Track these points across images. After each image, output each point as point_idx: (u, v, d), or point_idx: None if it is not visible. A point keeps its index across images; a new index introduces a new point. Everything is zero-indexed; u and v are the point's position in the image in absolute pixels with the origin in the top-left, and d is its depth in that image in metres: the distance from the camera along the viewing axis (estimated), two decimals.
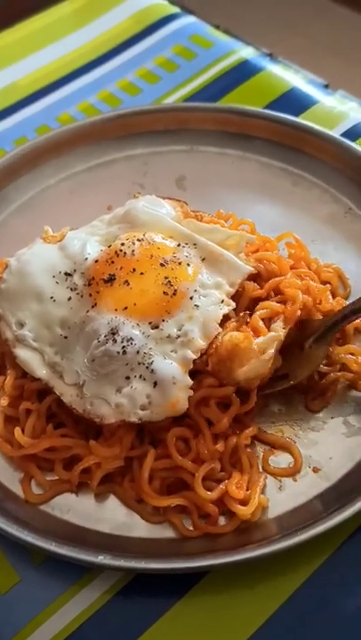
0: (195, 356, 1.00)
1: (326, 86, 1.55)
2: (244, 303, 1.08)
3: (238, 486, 0.96)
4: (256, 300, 1.09)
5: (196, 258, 1.08)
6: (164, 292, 1.02)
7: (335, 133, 1.37)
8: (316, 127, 1.36)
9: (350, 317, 1.05)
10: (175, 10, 1.80)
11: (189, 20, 1.77)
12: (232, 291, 1.07)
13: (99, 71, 1.66)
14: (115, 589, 0.93)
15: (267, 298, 1.09)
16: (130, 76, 1.64)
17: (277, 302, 1.07)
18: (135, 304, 1.01)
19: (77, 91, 1.62)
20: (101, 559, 0.89)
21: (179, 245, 1.08)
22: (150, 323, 1.01)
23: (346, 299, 1.16)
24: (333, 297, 1.14)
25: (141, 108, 1.47)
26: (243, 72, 1.59)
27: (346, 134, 1.40)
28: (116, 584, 0.93)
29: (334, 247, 1.24)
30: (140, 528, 0.97)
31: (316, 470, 1.00)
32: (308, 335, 1.07)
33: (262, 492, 0.98)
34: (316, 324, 1.07)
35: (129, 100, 1.58)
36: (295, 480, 1.00)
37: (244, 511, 0.94)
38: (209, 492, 0.95)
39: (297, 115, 1.44)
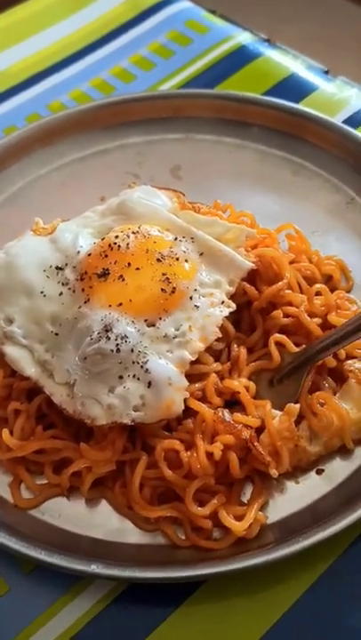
0: (192, 358, 0.96)
1: (326, 72, 1.51)
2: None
3: (230, 510, 0.92)
4: (250, 303, 1.06)
5: (194, 253, 1.04)
6: (162, 290, 0.98)
7: (336, 121, 1.34)
8: (317, 114, 1.32)
9: (324, 353, 0.98)
10: None
11: (184, 4, 1.73)
12: (232, 290, 1.03)
13: (91, 58, 1.62)
14: (108, 598, 0.89)
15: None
16: (124, 62, 1.60)
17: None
18: (131, 300, 0.97)
19: (69, 78, 1.58)
20: (94, 568, 0.86)
21: (176, 239, 1.05)
22: (146, 320, 0.97)
23: (348, 292, 1.13)
24: (333, 291, 1.10)
25: (135, 96, 1.43)
26: (240, 58, 1.56)
27: (347, 121, 1.36)
28: (110, 593, 0.89)
29: (336, 238, 1.21)
30: (133, 534, 0.94)
31: (319, 472, 0.97)
32: (279, 368, 1.02)
33: (262, 508, 0.93)
34: (287, 357, 1.01)
35: (123, 87, 1.55)
36: (297, 482, 0.96)
37: (238, 527, 0.90)
38: (200, 508, 0.91)
39: (296, 102, 1.41)
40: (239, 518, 0.91)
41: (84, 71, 1.60)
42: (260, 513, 0.92)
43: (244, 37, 1.60)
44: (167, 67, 1.57)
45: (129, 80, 1.56)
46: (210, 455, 0.92)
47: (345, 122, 1.35)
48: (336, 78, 1.49)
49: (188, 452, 0.93)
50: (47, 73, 1.60)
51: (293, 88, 1.46)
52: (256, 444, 0.93)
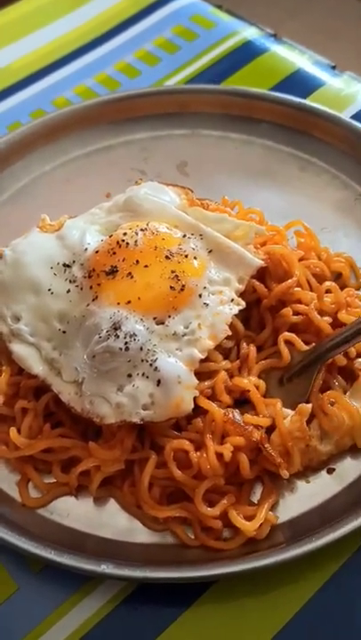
0: (202, 356, 0.95)
1: (333, 67, 1.50)
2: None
3: (241, 510, 0.91)
4: (259, 300, 1.04)
5: (203, 250, 1.03)
6: (171, 287, 0.97)
7: (344, 116, 1.32)
8: (325, 109, 1.31)
9: (334, 351, 0.97)
10: None
11: None
12: (241, 288, 1.02)
13: (96, 53, 1.61)
14: (118, 598, 0.88)
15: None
16: (128, 57, 1.59)
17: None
18: (139, 298, 0.96)
19: (74, 73, 1.57)
20: (104, 568, 0.85)
21: (184, 236, 1.03)
22: (155, 318, 0.96)
23: (358, 289, 1.12)
24: (343, 288, 1.09)
25: (140, 91, 1.42)
26: (246, 53, 1.55)
27: (355, 117, 1.35)
28: (120, 593, 0.89)
29: (345, 235, 1.20)
30: (142, 533, 0.93)
31: (330, 471, 0.96)
32: (288, 367, 1.01)
33: (272, 508, 0.92)
34: (297, 356, 1.00)
35: (128, 82, 1.53)
36: (308, 482, 0.95)
37: (248, 527, 0.89)
38: (210, 509, 0.90)
39: (303, 97, 1.39)
40: (249, 518, 0.90)
41: (88, 66, 1.58)
42: (270, 513, 0.91)
43: (250, 32, 1.59)
44: (173, 62, 1.56)
45: (134, 75, 1.55)
46: (219, 456, 0.91)
47: (353, 117, 1.34)
48: (343, 73, 1.48)
49: (198, 453, 0.91)
50: (51, 68, 1.59)
51: (300, 83, 1.45)
52: (267, 445, 0.92)
